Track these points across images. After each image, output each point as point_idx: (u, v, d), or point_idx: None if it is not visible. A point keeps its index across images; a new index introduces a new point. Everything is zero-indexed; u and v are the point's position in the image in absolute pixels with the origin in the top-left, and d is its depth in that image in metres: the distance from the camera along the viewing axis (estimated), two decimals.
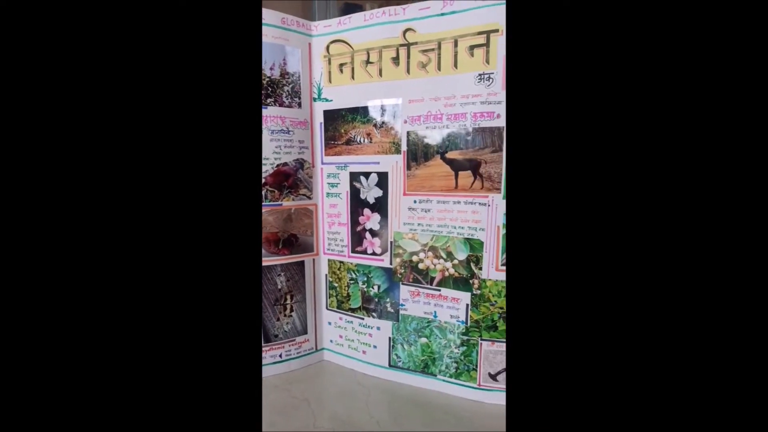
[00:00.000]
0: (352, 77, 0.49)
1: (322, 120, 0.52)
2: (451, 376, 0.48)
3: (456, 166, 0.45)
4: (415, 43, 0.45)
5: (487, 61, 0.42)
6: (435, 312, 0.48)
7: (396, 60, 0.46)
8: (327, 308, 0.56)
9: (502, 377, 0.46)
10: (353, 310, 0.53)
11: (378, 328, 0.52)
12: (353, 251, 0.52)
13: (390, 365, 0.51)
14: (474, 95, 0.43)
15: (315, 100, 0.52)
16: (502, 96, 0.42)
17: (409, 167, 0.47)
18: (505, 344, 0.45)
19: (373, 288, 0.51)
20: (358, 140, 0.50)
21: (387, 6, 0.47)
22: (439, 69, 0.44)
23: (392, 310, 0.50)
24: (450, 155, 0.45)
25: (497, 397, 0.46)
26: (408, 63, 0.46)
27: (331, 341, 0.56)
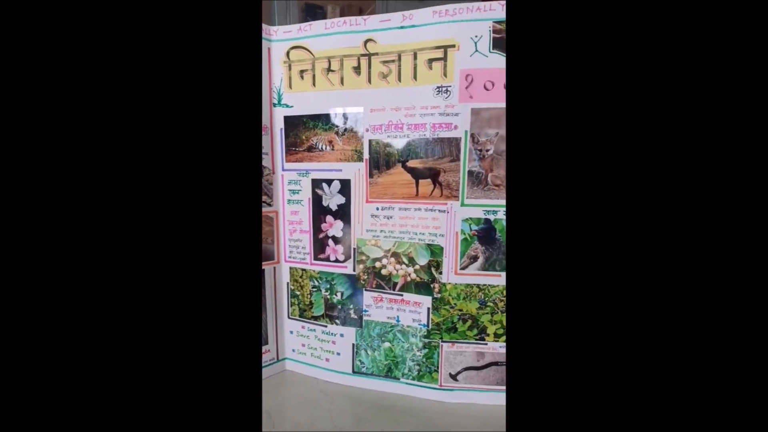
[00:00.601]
0: (314, 84, 0.49)
1: (282, 126, 0.51)
2: (413, 379, 0.49)
3: (417, 174, 0.46)
4: (376, 54, 0.46)
5: (445, 75, 0.44)
6: (398, 316, 0.49)
7: (357, 69, 0.47)
8: (289, 317, 0.55)
9: (462, 377, 0.48)
10: (316, 318, 0.53)
11: (341, 335, 0.52)
12: (315, 258, 0.52)
13: (354, 371, 0.51)
14: (433, 107, 0.45)
15: (275, 105, 0.51)
16: (459, 108, 0.44)
17: (371, 175, 0.48)
18: (464, 345, 0.47)
19: (336, 295, 0.51)
20: (320, 147, 0.50)
21: (347, 3, 0.47)
22: (399, 80, 0.46)
23: (356, 317, 0.51)
24: (411, 164, 0.46)
25: (458, 397, 0.48)
26: (369, 73, 0.46)
27: (293, 350, 0.55)
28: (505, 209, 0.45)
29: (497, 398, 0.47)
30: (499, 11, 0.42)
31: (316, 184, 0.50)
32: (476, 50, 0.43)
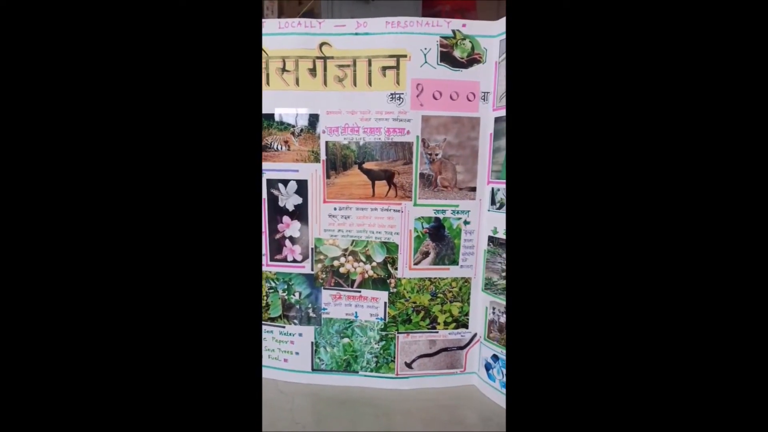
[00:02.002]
0: (267, 83, 0.48)
1: None
2: (371, 371, 0.51)
3: (372, 176, 0.49)
4: (332, 58, 0.47)
5: (398, 82, 0.47)
6: (356, 312, 0.51)
7: (313, 71, 0.48)
8: None
9: (416, 364, 0.51)
10: (273, 320, 0.52)
11: (300, 335, 0.52)
12: (272, 259, 0.51)
13: (313, 369, 0.52)
14: (387, 112, 0.47)
15: None
16: (411, 115, 0.47)
17: (328, 176, 0.49)
18: (418, 334, 0.51)
19: (294, 295, 0.51)
20: (274, 147, 0.49)
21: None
22: (355, 84, 0.47)
23: (314, 315, 0.51)
24: (367, 166, 0.48)
25: (413, 383, 0.51)
26: (325, 76, 0.47)
27: None
28: (452, 208, 0.49)
29: (448, 381, 0.52)
30: (445, 27, 0.46)
31: (272, 184, 0.50)
32: (425, 62, 0.46)
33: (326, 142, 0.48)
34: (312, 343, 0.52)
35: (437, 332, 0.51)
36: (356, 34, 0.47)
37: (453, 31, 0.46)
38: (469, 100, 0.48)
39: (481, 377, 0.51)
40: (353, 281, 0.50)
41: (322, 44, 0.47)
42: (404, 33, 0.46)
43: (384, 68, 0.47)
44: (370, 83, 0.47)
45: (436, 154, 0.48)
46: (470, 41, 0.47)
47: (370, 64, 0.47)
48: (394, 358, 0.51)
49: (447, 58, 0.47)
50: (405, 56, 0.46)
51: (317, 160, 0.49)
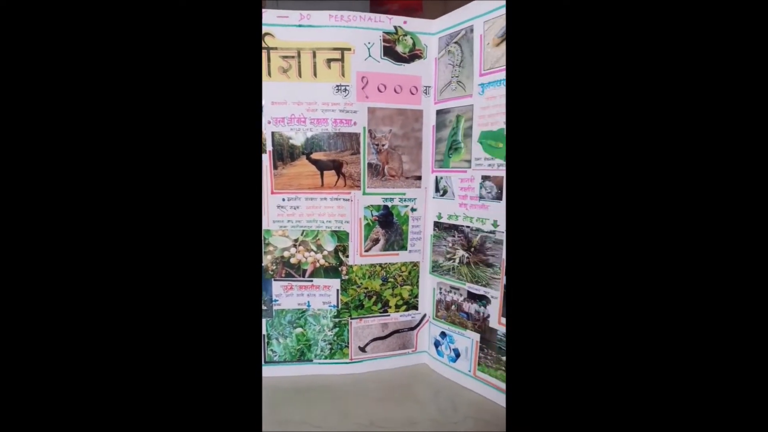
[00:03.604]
0: None
1: None
2: (326, 358, 0.52)
3: (321, 165, 0.49)
4: (275, 48, 0.47)
5: (343, 75, 0.48)
6: (308, 302, 0.52)
7: None
8: None
9: (370, 347, 0.53)
10: None
11: None
12: None
13: (266, 362, 0.52)
14: (333, 103, 0.48)
15: None
16: (357, 106, 0.49)
17: (275, 167, 0.49)
18: (370, 319, 0.53)
19: None
20: None
21: None
22: (300, 75, 0.48)
23: (266, 308, 0.51)
24: (315, 156, 0.49)
25: (367, 366, 0.53)
26: (269, 66, 0.47)
27: None
28: (400, 196, 0.52)
29: (400, 361, 0.54)
30: (387, 23, 0.48)
31: None
32: (369, 55, 0.48)
33: (272, 133, 0.48)
34: (264, 335, 0.52)
35: (389, 315, 0.54)
36: (300, 26, 0.47)
37: (395, 27, 0.49)
38: (412, 94, 0.51)
39: (431, 354, 0.55)
40: (305, 271, 0.51)
41: (265, 34, 0.47)
42: (348, 27, 0.47)
43: (329, 60, 0.48)
44: (315, 74, 0.48)
45: (383, 145, 0.50)
46: (411, 38, 0.49)
47: (314, 56, 0.47)
48: (348, 343, 0.52)
49: (390, 52, 0.49)
50: (349, 49, 0.48)
51: (263, 151, 0.48)
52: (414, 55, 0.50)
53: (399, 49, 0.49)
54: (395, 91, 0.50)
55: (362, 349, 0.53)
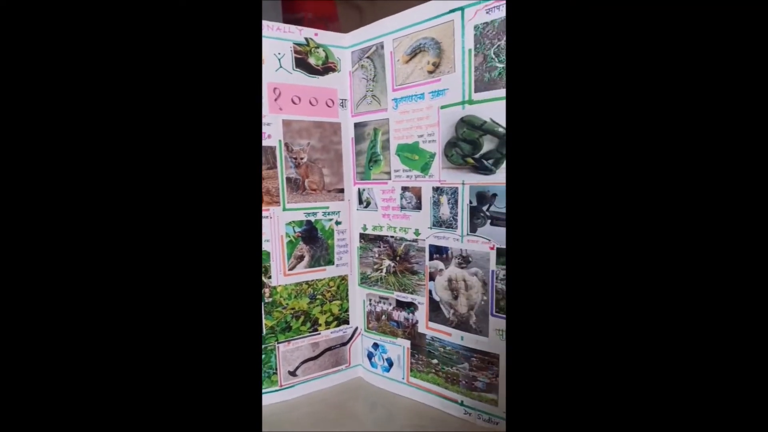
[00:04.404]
0: None
1: None
2: None
3: None
4: None
5: None
6: None
7: None
8: None
9: (301, 370, 0.51)
10: None
11: None
12: None
13: None
14: None
15: None
16: (270, 118, 0.46)
17: None
18: (299, 340, 0.50)
19: None
20: None
21: None
22: None
23: None
24: None
25: (298, 390, 0.50)
26: None
27: None
28: (323, 210, 0.51)
29: (334, 379, 0.53)
30: (297, 35, 0.47)
31: None
32: (281, 66, 0.47)
33: None
34: None
35: (319, 334, 0.52)
36: None
37: (306, 39, 0.48)
38: (329, 106, 0.50)
39: (365, 367, 0.54)
40: None
41: None
42: (263, 37, 0.45)
43: None
44: None
45: (302, 158, 0.49)
46: (324, 50, 0.49)
47: None
48: (276, 369, 0.49)
49: (302, 64, 0.48)
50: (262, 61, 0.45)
51: None
52: (328, 68, 0.49)
53: (312, 61, 0.48)
54: (311, 103, 0.49)
55: (292, 374, 0.50)
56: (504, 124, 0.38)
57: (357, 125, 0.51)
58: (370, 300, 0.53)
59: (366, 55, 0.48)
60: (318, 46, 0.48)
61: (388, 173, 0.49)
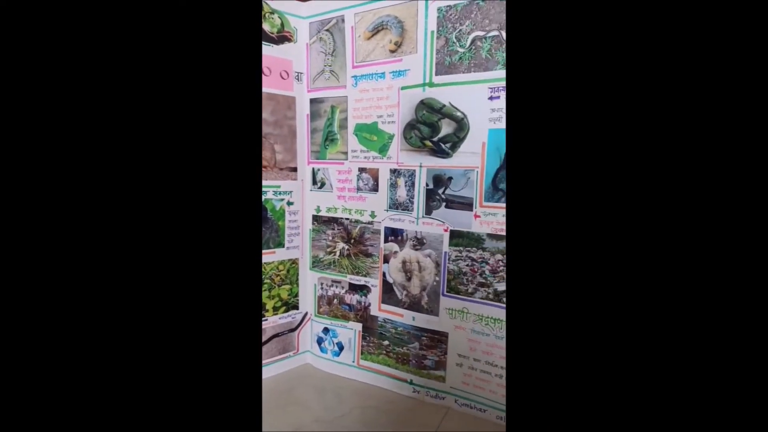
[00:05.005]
0: None
1: None
2: None
3: None
4: None
5: None
6: None
7: None
8: None
9: None
10: None
11: None
12: None
13: None
14: None
15: None
16: None
17: None
18: None
19: None
20: None
21: None
22: None
23: None
24: None
25: None
26: None
27: None
28: (274, 189, 0.48)
29: (282, 366, 0.51)
30: None
31: None
32: None
33: None
34: None
35: (266, 320, 0.49)
36: None
37: (261, 1, 0.44)
38: (283, 78, 0.47)
39: (314, 353, 0.53)
40: None
41: None
42: None
43: None
44: None
45: None
46: (279, 17, 0.46)
47: None
48: None
49: None
50: None
51: None
52: (283, 37, 0.46)
53: (266, 27, 0.45)
54: (264, 73, 0.45)
55: None
56: (462, 108, 0.39)
57: (313, 101, 0.49)
58: (322, 284, 0.51)
59: (325, 28, 0.46)
60: (273, 12, 0.45)
61: (345, 153, 0.47)
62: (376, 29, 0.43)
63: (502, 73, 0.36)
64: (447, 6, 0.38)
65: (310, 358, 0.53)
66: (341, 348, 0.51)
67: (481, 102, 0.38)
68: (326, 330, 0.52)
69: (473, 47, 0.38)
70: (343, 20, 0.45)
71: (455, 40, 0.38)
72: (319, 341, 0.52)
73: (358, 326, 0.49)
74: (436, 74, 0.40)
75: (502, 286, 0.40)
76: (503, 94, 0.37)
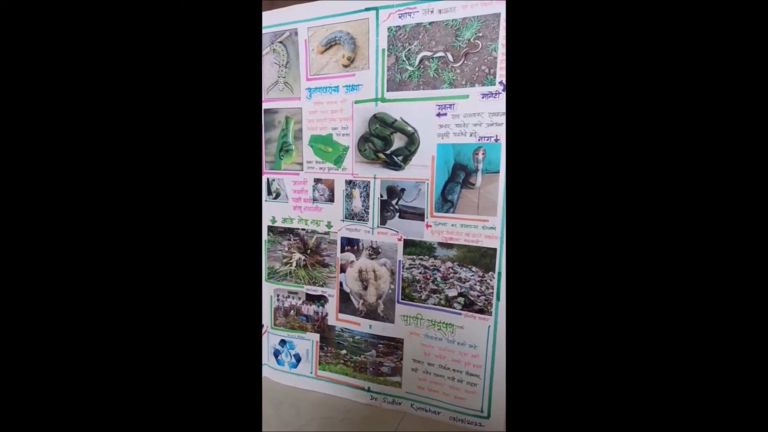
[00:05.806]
0: None
1: None
2: None
3: None
4: None
5: None
6: None
7: None
8: None
9: None
10: None
11: None
12: None
13: None
14: None
15: None
16: None
17: None
18: None
19: None
20: None
21: None
22: None
23: None
24: None
25: None
26: None
27: None
28: None
29: None
30: None
31: None
32: None
33: None
34: None
35: None
36: None
37: None
38: None
39: (271, 366, 0.52)
40: None
41: None
42: None
43: None
44: None
45: None
46: None
47: None
48: None
49: None
50: None
51: None
52: None
53: None
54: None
55: None
56: (412, 123, 0.41)
57: (267, 111, 0.48)
58: (278, 295, 0.51)
59: (279, 40, 0.46)
60: None
61: (300, 164, 0.47)
62: (330, 44, 0.43)
63: (449, 91, 0.39)
64: (397, 27, 0.40)
65: (267, 372, 0.52)
66: (298, 359, 0.51)
67: (430, 118, 0.40)
68: (283, 342, 0.51)
69: (422, 66, 0.40)
70: (296, 33, 0.45)
71: (405, 59, 0.40)
72: (276, 354, 0.52)
73: (316, 337, 0.49)
74: (388, 90, 0.42)
75: (453, 292, 0.42)
76: (450, 111, 0.39)
